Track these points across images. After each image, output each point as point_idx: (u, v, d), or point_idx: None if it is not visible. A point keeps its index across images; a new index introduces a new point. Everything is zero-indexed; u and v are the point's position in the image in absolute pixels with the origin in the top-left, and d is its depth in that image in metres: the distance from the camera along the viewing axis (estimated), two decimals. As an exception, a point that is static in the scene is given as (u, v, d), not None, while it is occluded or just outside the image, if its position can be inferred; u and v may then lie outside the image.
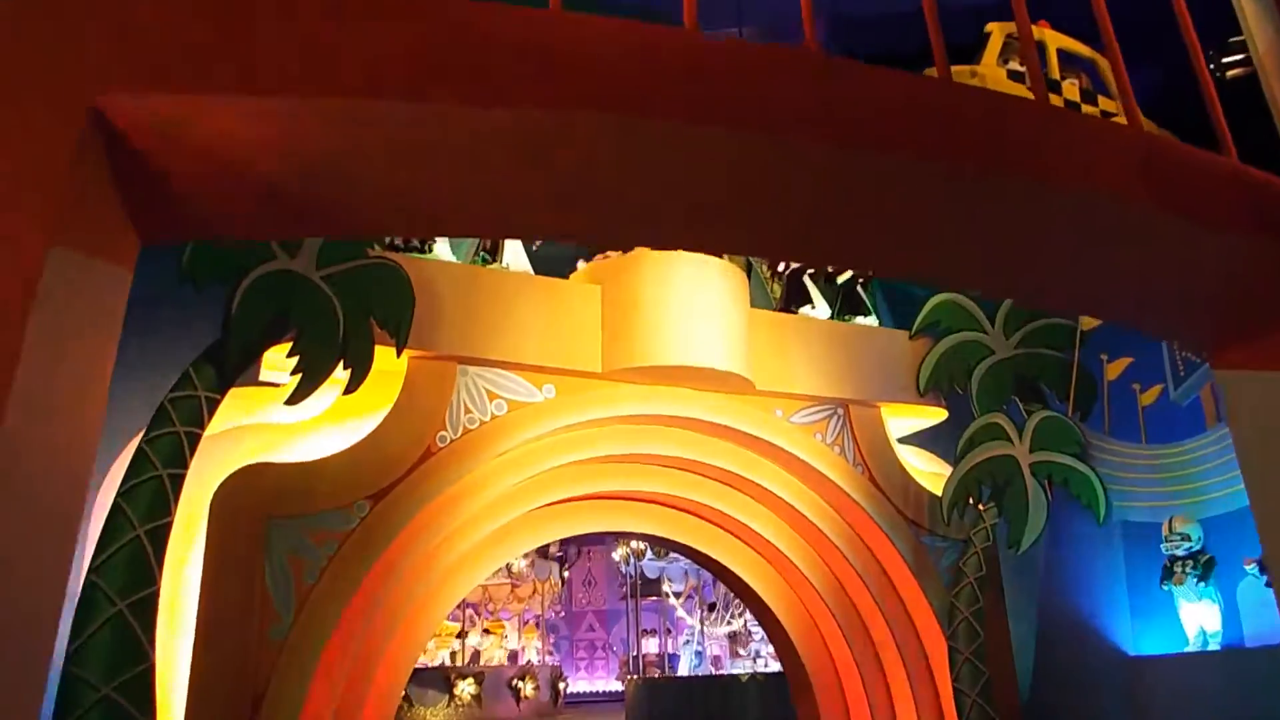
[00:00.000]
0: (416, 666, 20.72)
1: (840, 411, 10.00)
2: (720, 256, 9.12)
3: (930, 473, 10.53)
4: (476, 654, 20.95)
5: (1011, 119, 3.77)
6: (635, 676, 16.06)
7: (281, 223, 3.92)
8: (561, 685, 21.55)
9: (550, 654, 22.21)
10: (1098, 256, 4.18)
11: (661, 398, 8.99)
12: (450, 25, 3.16)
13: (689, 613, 18.22)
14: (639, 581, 17.39)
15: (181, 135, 3.09)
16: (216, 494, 6.97)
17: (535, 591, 23.45)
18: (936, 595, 9.73)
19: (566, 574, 23.66)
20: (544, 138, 3.25)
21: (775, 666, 16.09)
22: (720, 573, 10.74)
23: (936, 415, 10.62)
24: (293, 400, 7.01)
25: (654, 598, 21.73)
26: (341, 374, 7.43)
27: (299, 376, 7.05)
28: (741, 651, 16.29)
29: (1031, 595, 9.30)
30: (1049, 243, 4.10)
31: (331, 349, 7.25)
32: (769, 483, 9.71)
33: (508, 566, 20.42)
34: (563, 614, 31.80)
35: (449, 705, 19.17)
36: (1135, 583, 8.93)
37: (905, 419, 10.63)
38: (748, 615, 16.76)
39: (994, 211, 3.84)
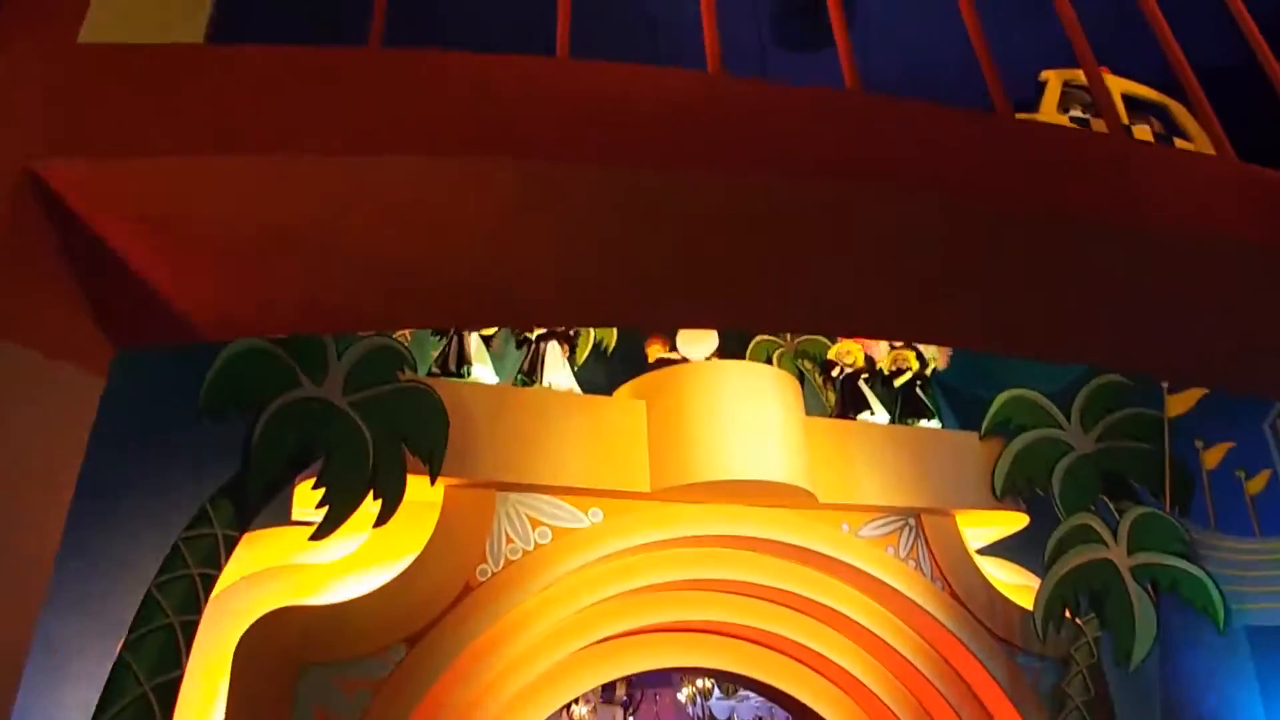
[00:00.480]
0: None
1: (912, 522, 9.23)
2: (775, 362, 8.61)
3: (1016, 585, 9.62)
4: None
5: (1134, 162, 3.26)
6: None
7: (277, 314, 3.49)
8: None
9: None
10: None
11: (716, 516, 8.34)
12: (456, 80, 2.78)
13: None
14: (705, 715, 16.17)
15: (142, 208, 2.70)
16: (240, 642, 6.40)
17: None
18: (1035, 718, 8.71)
19: (632, 719, 22.41)
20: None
21: None
22: (794, 709, 9.80)
23: (1017, 521, 9.78)
24: (319, 535, 6.51)
25: None
26: (372, 506, 6.94)
27: (325, 509, 6.55)
28: None
29: (1150, 717, 8.25)
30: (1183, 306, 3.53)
31: (361, 479, 6.79)
32: (840, 604, 8.89)
33: (568, 713, 19.35)
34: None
35: None
36: (1270, 693, 7.87)
37: (983, 528, 9.79)
38: None
39: (1129, 271, 3.29)
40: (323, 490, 6.60)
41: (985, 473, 9.53)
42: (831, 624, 9.06)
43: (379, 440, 6.97)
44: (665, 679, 18.33)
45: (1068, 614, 8.64)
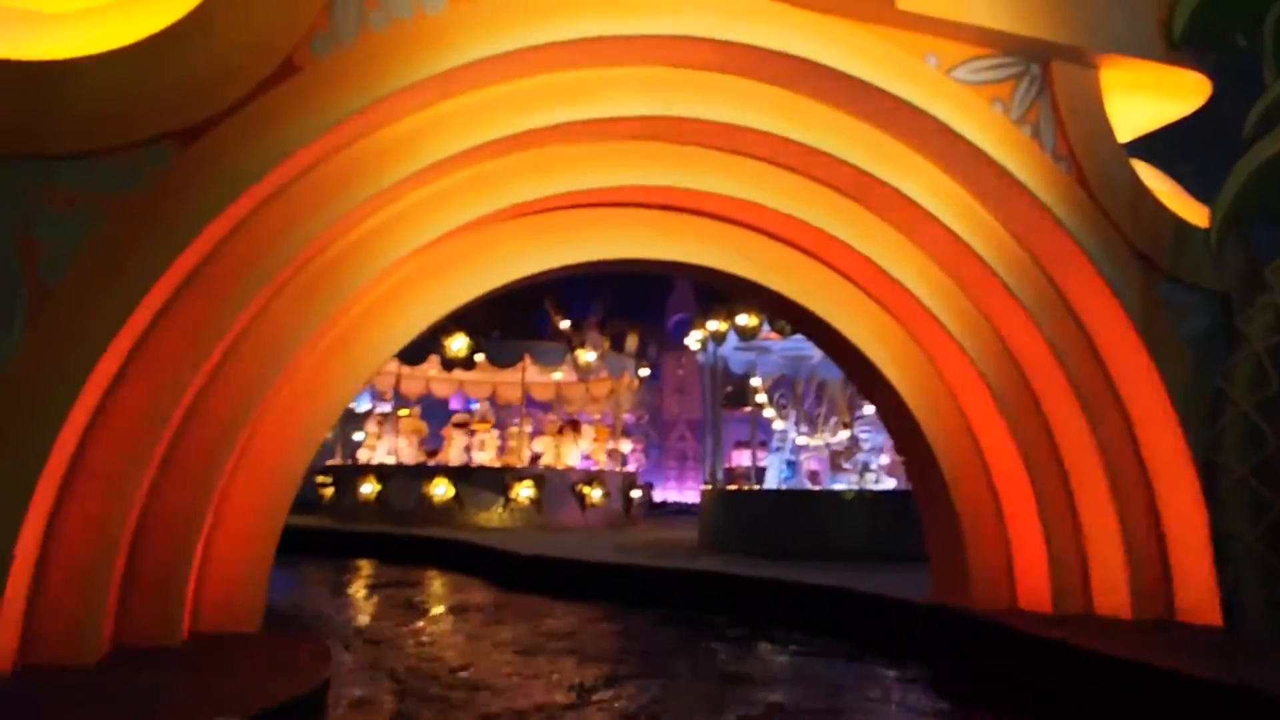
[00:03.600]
0: (469, 465, 17.61)
1: (1035, 70, 5.83)
2: None
3: (1165, 193, 6.34)
4: (536, 456, 18.24)
5: None
6: (709, 486, 12.77)
7: None
8: (635, 494, 18.80)
9: (622, 460, 19.21)
10: None
11: (733, 10, 5.00)
12: None
13: (779, 413, 14.67)
14: (719, 369, 13.68)
15: None
16: None
17: (612, 391, 20.35)
18: (1178, 376, 5.77)
19: (645, 371, 20.35)
20: None
21: (889, 484, 12.61)
22: (828, 340, 6.96)
23: (1189, 93, 6.32)
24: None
25: (747, 408, 18.27)
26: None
27: None
28: (846, 464, 12.76)
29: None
30: None
31: None
32: (909, 185, 5.73)
33: (574, 359, 17.18)
34: (647, 420, 28.87)
35: (504, 509, 16.43)
36: None
37: (1135, 98, 6.30)
38: (860, 422, 13.09)
39: None
40: None
41: (1158, 6, 5.97)
42: (893, 214, 5.95)
43: None
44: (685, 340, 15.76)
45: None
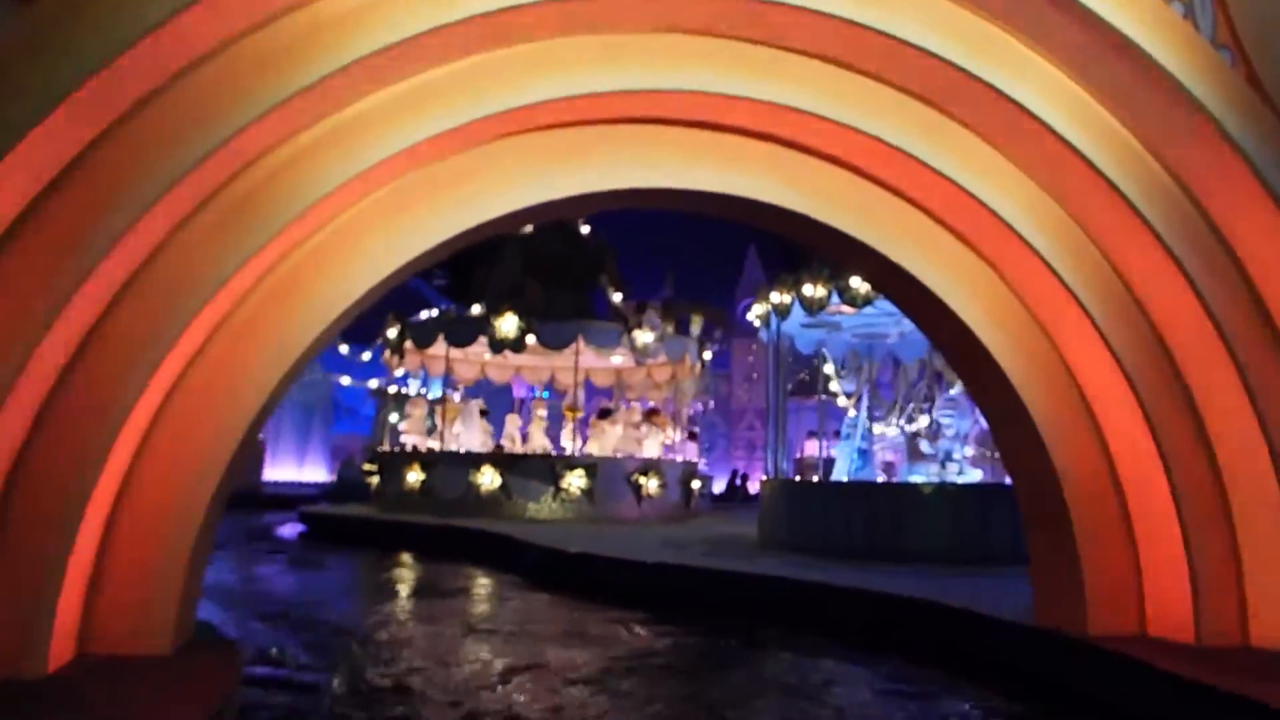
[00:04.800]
0: (515, 452, 16.40)
1: (1190, -70, 4.36)
2: None
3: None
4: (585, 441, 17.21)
5: None
6: (770, 477, 11.51)
7: None
8: (696, 484, 17.28)
9: (678, 449, 18.03)
10: None
11: None
12: None
13: (849, 398, 13.30)
14: (784, 349, 12.26)
15: None
16: None
17: (673, 376, 19.10)
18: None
19: (709, 355, 19.03)
20: None
21: (974, 475, 11.14)
22: (909, 297, 5.60)
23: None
24: None
25: (821, 396, 16.87)
26: None
27: None
28: (927, 449, 11.31)
29: None
30: None
31: None
32: (1019, 88, 4.33)
33: (630, 340, 15.94)
34: (714, 408, 27.51)
35: (555, 499, 15.30)
36: None
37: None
38: (943, 405, 11.66)
39: None
40: None
41: None
42: (996, 134, 4.55)
43: None
44: (752, 330, 14.32)
45: None
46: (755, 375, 30.41)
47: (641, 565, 8.68)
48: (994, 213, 4.67)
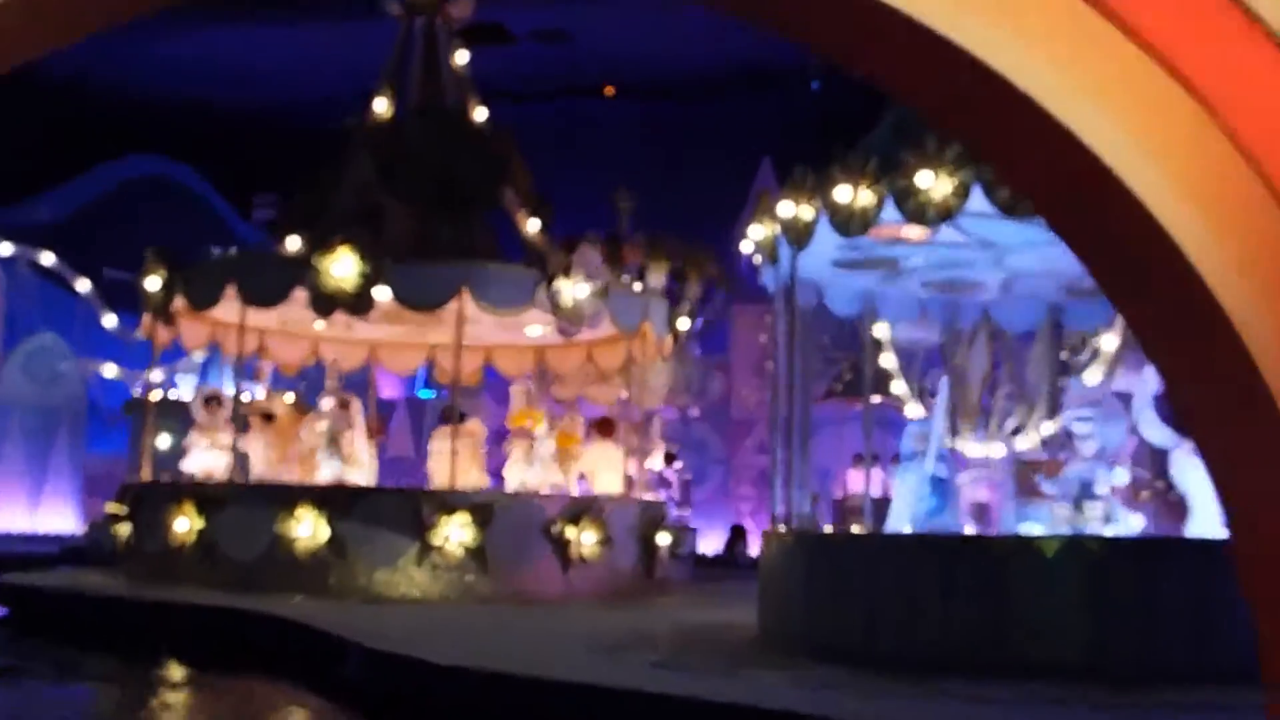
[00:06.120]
0: (354, 486, 16.09)
1: None
2: None
3: None
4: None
5: None
6: (782, 527, 10.95)
7: None
8: (664, 539, 16.53)
9: (640, 481, 17.60)
10: None
11: None
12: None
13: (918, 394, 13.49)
14: (793, 295, 11.21)
15: None
16: None
17: (630, 360, 17.98)
18: None
19: (687, 324, 17.81)
20: None
21: (1134, 523, 10.55)
22: (1053, 172, 4.24)
23: None
24: None
25: (876, 399, 16.20)
26: None
27: None
28: (1046, 487, 10.56)
29: None
30: None
31: None
32: None
33: (551, 295, 14.26)
34: (706, 417, 26.69)
35: (422, 563, 14.50)
36: None
37: None
38: (1078, 403, 10.99)
39: None
40: None
41: None
42: None
43: None
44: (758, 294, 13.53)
45: None
46: (770, 364, 28.93)
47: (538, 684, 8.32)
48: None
